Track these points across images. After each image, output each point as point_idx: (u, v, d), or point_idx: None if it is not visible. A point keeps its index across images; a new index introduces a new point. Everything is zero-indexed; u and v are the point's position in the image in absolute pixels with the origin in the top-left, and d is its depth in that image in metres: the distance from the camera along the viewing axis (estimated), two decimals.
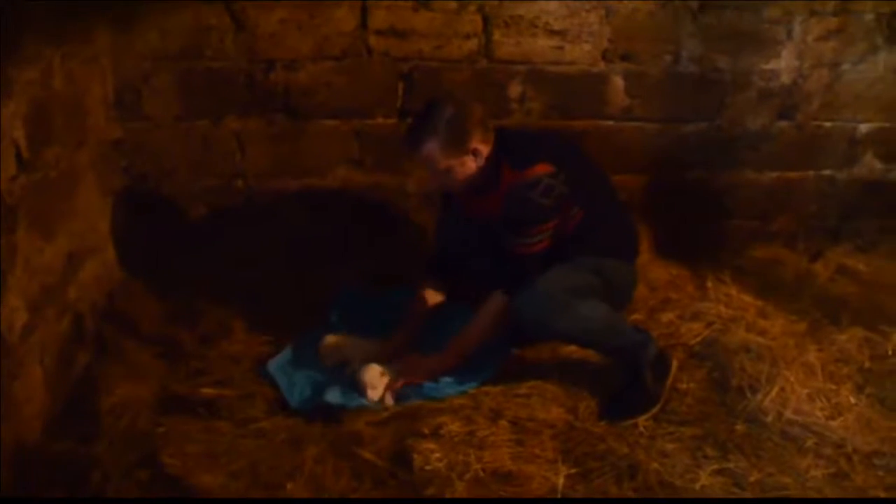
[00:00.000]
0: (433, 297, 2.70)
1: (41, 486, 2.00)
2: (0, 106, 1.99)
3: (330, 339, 2.58)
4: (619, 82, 3.11)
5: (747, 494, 2.02)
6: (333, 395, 2.34)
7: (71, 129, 2.46)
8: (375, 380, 2.39)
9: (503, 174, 2.41)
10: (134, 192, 2.96)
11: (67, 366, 2.40)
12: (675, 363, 2.46)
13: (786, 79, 3.17)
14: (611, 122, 3.17)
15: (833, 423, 2.26)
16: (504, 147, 2.44)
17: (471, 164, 2.42)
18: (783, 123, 3.25)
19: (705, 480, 2.05)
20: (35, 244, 2.19)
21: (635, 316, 2.80)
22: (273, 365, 2.52)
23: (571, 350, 2.58)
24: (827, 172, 3.36)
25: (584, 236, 2.47)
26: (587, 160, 2.61)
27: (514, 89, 3.06)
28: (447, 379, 2.45)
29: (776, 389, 2.35)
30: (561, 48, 3.02)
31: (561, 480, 2.06)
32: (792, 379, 2.38)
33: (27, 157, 2.13)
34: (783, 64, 3.15)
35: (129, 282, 2.88)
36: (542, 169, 2.35)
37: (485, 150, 2.42)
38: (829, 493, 2.04)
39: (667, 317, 2.79)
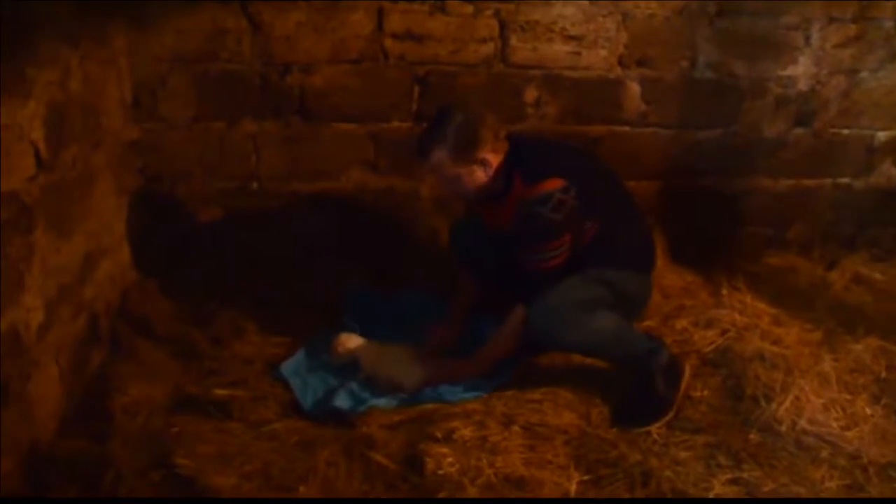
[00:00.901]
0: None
1: (54, 484, 2.00)
2: (20, 107, 2.00)
3: (343, 337, 2.58)
4: (634, 88, 3.10)
5: None
6: (342, 400, 2.34)
7: (88, 130, 2.47)
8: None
9: (515, 185, 2.41)
10: (149, 193, 2.98)
11: (82, 365, 2.41)
12: (687, 370, 2.45)
13: (803, 85, 3.16)
14: (626, 128, 3.16)
15: (848, 434, 2.24)
16: (517, 157, 2.43)
17: (479, 174, 2.42)
18: (800, 130, 3.24)
19: (719, 489, 2.04)
20: (52, 244, 2.20)
21: (648, 322, 2.78)
22: (286, 367, 2.53)
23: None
24: (844, 180, 3.34)
25: (599, 249, 2.45)
26: (603, 171, 2.60)
27: (530, 94, 3.06)
28: (464, 385, 2.44)
29: (791, 399, 2.33)
30: (577, 53, 3.01)
31: (573, 487, 2.05)
32: (807, 388, 2.36)
33: (45, 158, 2.14)
34: (801, 70, 3.13)
35: (144, 282, 2.89)
36: (553, 184, 2.34)
37: (494, 160, 2.42)
38: None
39: (681, 324, 2.77)
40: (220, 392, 2.37)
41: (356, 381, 2.44)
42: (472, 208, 2.68)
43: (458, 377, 2.48)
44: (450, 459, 2.08)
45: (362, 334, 2.63)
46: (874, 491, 2.06)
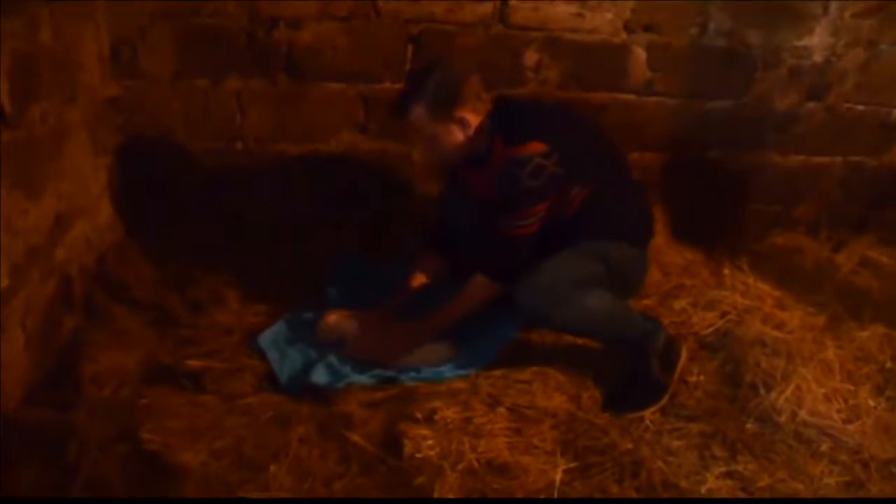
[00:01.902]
0: (431, 270, 2.61)
1: (17, 455, 1.91)
2: None
3: (330, 317, 2.47)
4: (640, 54, 2.95)
5: None
6: (320, 375, 2.24)
7: (60, 85, 2.34)
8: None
9: (496, 149, 2.30)
10: (129, 152, 2.85)
11: (53, 330, 2.31)
12: (684, 353, 2.36)
13: (818, 57, 3.01)
14: (631, 96, 3.02)
15: (850, 427, 2.15)
16: (500, 120, 2.32)
17: (458, 134, 2.32)
18: (813, 104, 3.10)
19: (712, 483, 1.95)
20: (18, 204, 2.09)
21: (646, 302, 2.68)
22: (265, 338, 2.43)
23: None
24: (856, 158, 3.22)
25: (590, 219, 2.33)
26: (596, 136, 2.46)
27: (530, 57, 2.91)
28: (448, 364, 2.35)
29: (791, 388, 2.23)
30: (581, 15, 2.86)
31: (559, 475, 1.97)
32: (808, 377, 2.27)
33: (10, 113, 2.01)
34: (816, 41, 2.98)
35: (122, 245, 2.78)
36: (533, 147, 2.21)
37: (474, 120, 2.31)
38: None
39: (679, 304, 2.67)
40: (194, 363, 2.28)
41: (336, 355, 2.33)
42: (456, 175, 2.56)
43: (406, 347, 2.38)
44: (430, 442, 2.00)
45: (348, 304, 2.53)
46: (875, 489, 1.97)
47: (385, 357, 2.36)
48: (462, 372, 2.32)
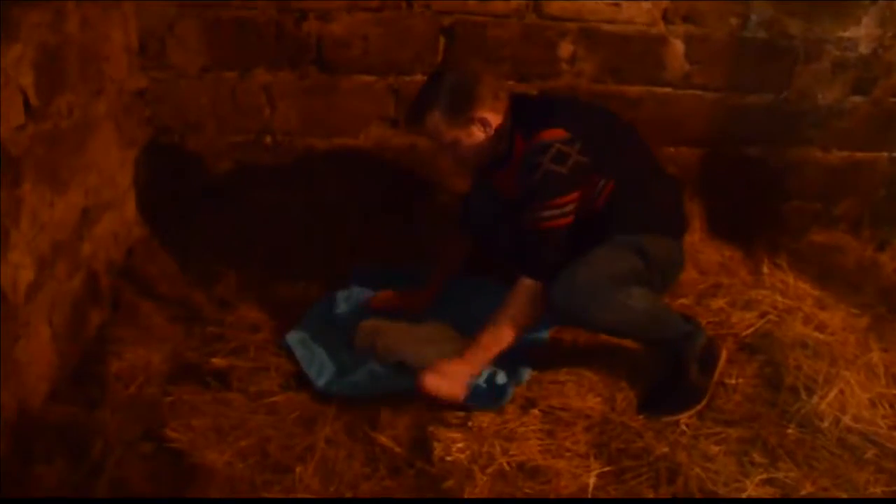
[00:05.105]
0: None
1: (41, 453, 1.90)
2: (4, 50, 1.85)
3: (365, 324, 2.40)
4: (679, 46, 2.87)
5: None
6: (362, 386, 2.18)
7: (87, 77, 2.32)
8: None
9: (516, 146, 2.23)
10: (157, 146, 2.83)
11: (79, 326, 2.30)
12: (723, 355, 2.27)
13: (864, 49, 2.90)
14: (668, 89, 2.94)
15: None
16: (517, 116, 2.25)
17: (479, 135, 2.24)
18: (857, 98, 2.99)
19: (751, 491, 1.86)
20: (44, 198, 2.07)
21: (682, 301, 2.60)
22: (292, 337, 2.38)
23: None
24: None
25: (620, 211, 2.23)
26: (620, 128, 2.36)
27: (565, 49, 2.84)
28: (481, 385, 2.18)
29: (834, 392, 2.14)
30: (617, 5, 2.79)
31: (592, 479, 1.90)
32: (852, 381, 2.18)
33: (36, 106, 1.99)
34: (863, 32, 2.87)
35: (149, 239, 2.77)
36: (552, 133, 2.13)
37: (494, 119, 2.23)
38: None
39: (717, 304, 2.57)
40: (219, 361, 2.24)
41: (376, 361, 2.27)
42: (483, 176, 2.49)
43: (475, 372, 2.18)
44: (460, 445, 1.95)
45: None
46: None
47: (454, 397, 2.14)
48: (509, 389, 2.18)
